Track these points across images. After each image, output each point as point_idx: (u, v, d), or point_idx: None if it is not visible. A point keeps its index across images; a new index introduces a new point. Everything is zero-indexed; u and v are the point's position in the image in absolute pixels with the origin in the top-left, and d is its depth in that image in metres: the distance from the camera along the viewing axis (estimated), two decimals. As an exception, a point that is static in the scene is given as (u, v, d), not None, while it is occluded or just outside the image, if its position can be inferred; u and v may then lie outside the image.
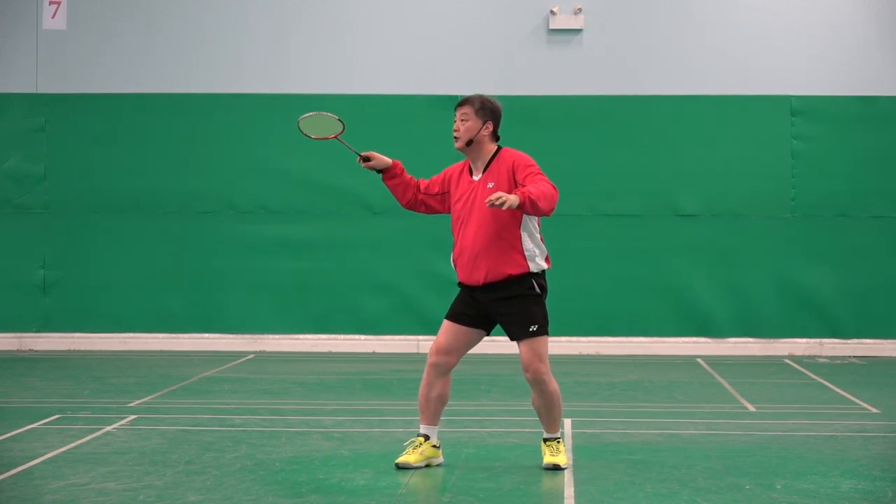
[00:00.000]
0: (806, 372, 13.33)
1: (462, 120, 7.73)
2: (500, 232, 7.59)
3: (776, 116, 14.89)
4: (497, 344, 13.71)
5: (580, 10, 14.98)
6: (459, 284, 7.85)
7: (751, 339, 14.90)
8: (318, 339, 15.05)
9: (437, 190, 7.91)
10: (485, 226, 7.60)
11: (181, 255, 15.15)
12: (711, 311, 14.91)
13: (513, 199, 7.22)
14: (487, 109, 7.76)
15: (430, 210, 8.00)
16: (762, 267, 14.89)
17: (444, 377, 7.82)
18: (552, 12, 14.99)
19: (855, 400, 11.12)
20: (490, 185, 7.64)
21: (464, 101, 7.79)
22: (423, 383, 7.85)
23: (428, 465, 7.86)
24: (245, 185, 15.11)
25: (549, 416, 7.83)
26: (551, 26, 15.02)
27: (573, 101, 15.01)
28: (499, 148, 7.84)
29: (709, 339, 14.92)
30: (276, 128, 15.02)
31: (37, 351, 15.02)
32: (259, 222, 15.08)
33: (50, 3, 15.20)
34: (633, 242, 14.96)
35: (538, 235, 7.76)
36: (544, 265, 7.75)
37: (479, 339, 7.87)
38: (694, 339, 14.92)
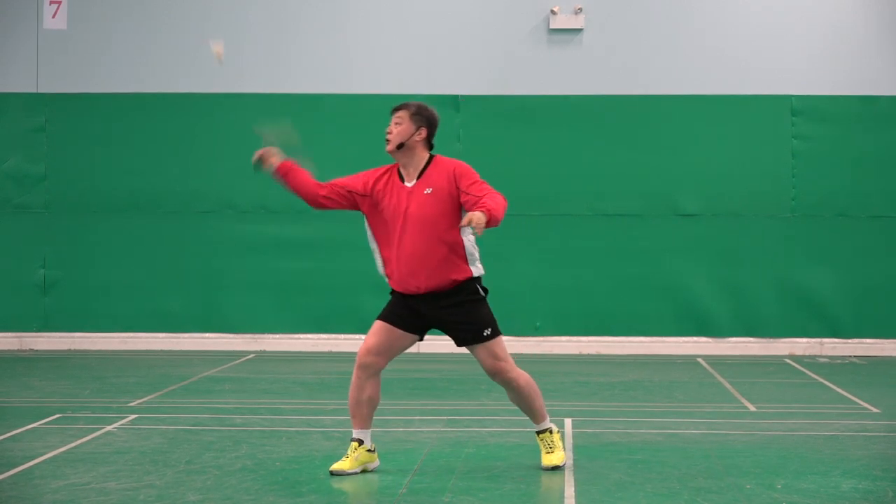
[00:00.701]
0: (806, 371, 13.32)
1: (396, 123, 7.58)
2: (440, 237, 7.43)
3: (776, 116, 14.89)
4: (497, 344, 13.69)
5: (580, 9, 14.97)
6: (392, 293, 7.72)
7: (751, 339, 14.89)
8: (319, 339, 15.04)
9: (359, 189, 7.60)
10: (424, 232, 7.44)
11: (181, 255, 15.15)
12: (711, 311, 14.91)
13: (482, 220, 7.01)
14: (423, 116, 7.58)
15: (335, 206, 7.70)
16: (762, 266, 14.89)
17: (373, 378, 7.62)
18: (552, 12, 14.99)
19: (855, 400, 11.11)
20: (427, 191, 7.47)
21: (400, 106, 7.64)
22: (352, 386, 7.63)
23: (364, 471, 7.68)
24: (245, 185, 15.09)
25: (529, 408, 7.77)
26: (551, 26, 15.01)
27: (573, 101, 15.01)
28: (432, 155, 7.65)
29: (709, 339, 14.91)
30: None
31: (37, 350, 15.02)
32: (259, 222, 15.08)
33: (50, 3, 15.19)
34: (633, 242, 14.95)
35: (473, 238, 7.56)
36: (482, 269, 7.62)
37: (410, 344, 7.73)
38: (694, 338, 14.91)
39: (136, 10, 15.24)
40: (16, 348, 15.10)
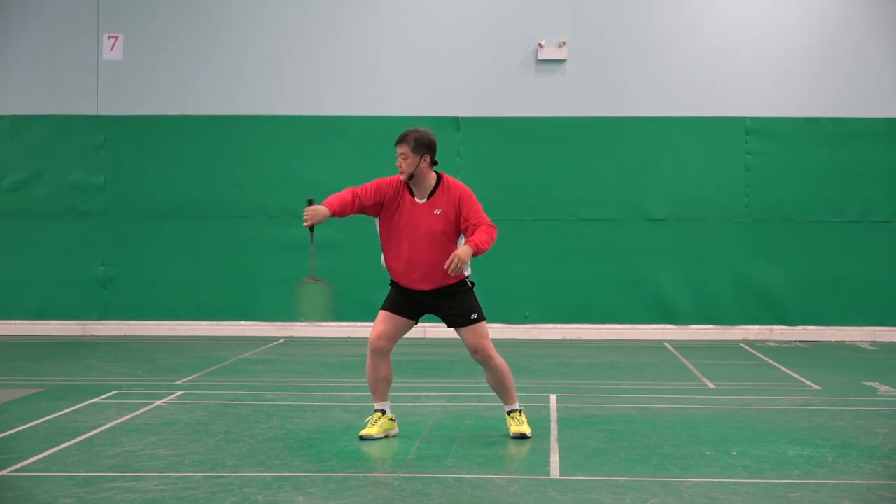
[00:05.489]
0: (758, 354, 13.31)
1: (402, 157, 7.51)
2: (444, 249, 7.52)
3: (732, 135, 14.88)
4: (493, 330, 13.72)
5: (564, 43, 14.96)
6: (393, 284, 7.75)
7: (710, 326, 14.88)
8: (339, 326, 15.03)
9: (373, 201, 7.57)
10: (433, 245, 7.51)
11: (221, 254, 15.15)
12: (676, 302, 14.89)
13: (466, 257, 7.27)
14: (422, 144, 7.51)
15: (364, 213, 7.67)
16: (720, 264, 14.88)
17: (385, 359, 7.72)
18: (540, 45, 14.98)
19: (800, 378, 11.10)
20: (437, 211, 7.53)
21: (400, 140, 7.55)
22: (369, 368, 7.73)
23: (387, 436, 7.80)
24: (275, 194, 15.10)
25: (503, 389, 7.79)
26: (539, 57, 15.01)
27: (558, 122, 15.00)
28: (439, 175, 7.64)
29: (674, 326, 14.90)
30: (303, 145, 15.03)
31: (97, 336, 15.03)
32: (288, 225, 15.06)
33: (108, 38, 15.20)
34: (610, 243, 14.94)
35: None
36: (471, 270, 7.71)
37: (410, 328, 7.80)
38: (661, 326, 14.90)
39: (182, 43, 15.24)
40: (79, 334, 15.10)
